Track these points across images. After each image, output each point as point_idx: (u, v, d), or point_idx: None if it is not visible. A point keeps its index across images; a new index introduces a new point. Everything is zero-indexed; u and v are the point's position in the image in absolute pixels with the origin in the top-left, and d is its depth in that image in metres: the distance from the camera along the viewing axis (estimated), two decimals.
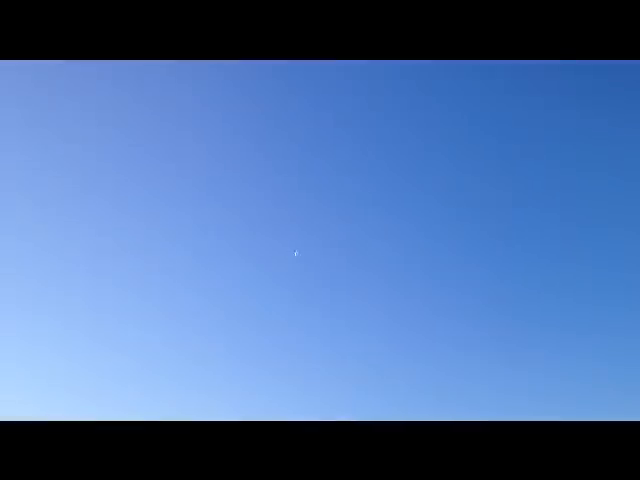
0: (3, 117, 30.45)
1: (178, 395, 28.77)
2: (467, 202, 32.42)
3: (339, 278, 32.51)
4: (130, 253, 32.17)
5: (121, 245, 32.08)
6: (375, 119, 33.12)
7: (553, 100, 31.35)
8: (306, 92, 32.99)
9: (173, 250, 32.50)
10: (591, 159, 31.70)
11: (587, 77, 30.86)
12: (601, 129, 30.86)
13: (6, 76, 29.49)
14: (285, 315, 31.76)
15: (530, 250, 31.66)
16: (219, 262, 32.73)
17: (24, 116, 30.59)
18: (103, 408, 27.35)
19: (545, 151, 31.82)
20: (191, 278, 32.09)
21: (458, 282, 31.68)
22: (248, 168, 33.47)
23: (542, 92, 31.01)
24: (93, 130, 31.61)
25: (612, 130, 30.54)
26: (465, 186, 32.28)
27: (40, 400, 27.34)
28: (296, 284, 32.09)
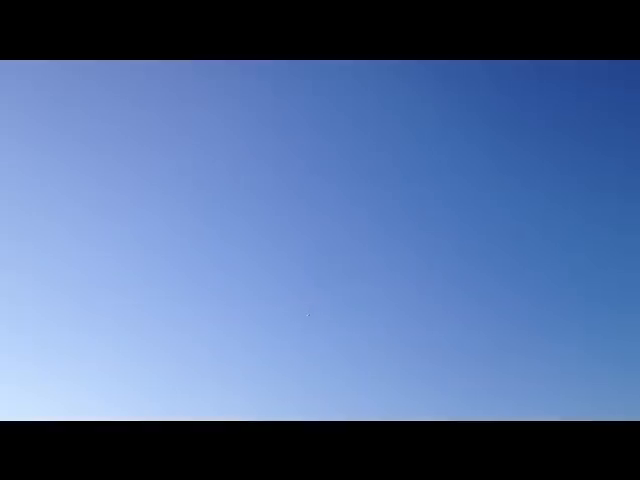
0: (3, 117, 30.45)
1: (177, 395, 28.75)
2: (467, 203, 32.42)
3: (339, 279, 32.53)
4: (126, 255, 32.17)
5: (118, 247, 32.09)
6: (373, 119, 33.11)
7: (553, 100, 31.35)
8: (306, 92, 32.97)
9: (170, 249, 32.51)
10: (591, 159, 31.69)
11: (587, 77, 30.87)
12: (601, 128, 30.85)
13: (6, 76, 29.50)
14: (284, 312, 31.75)
15: (530, 249, 31.67)
16: (221, 261, 32.74)
17: (24, 116, 30.58)
18: (102, 408, 27.32)
19: (544, 151, 31.81)
20: (194, 280, 32.04)
21: (457, 283, 31.68)
22: (248, 168, 33.45)
23: (541, 92, 31.00)
24: (93, 130, 31.59)
25: (612, 129, 30.53)
26: (466, 187, 32.28)
27: (39, 400, 27.33)
28: (296, 286, 32.09)
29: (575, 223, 30.71)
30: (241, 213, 33.40)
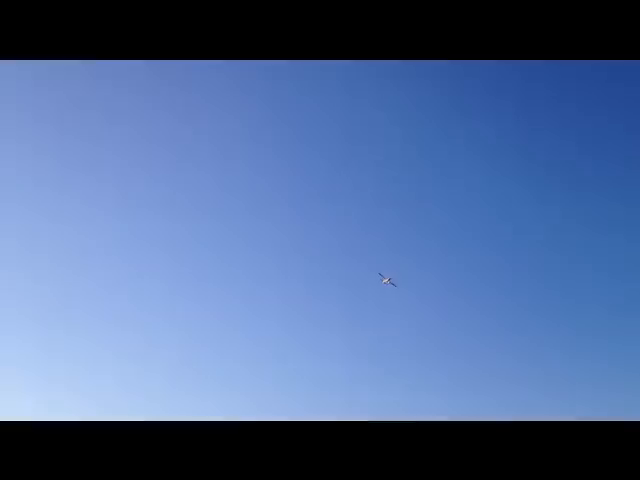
0: (3, 117, 30.47)
1: (178, 395, 28.80)
2: (470, 202, 32.46)
3: (342, 279, 32.65)
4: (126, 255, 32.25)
5: (119, 248, 32.16)
6: (371, 119, 33.14)
7: (551, 101, 31.44)
8: (306, 92, 33.00)
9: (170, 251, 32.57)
10: (591, 159, 31.78)
11: (586, 77, 30.97)
12: (600, 128, 30.94)
13: (6, 76, 29.55)
14: (287, 313, 31.90)
15: (536, 250, 31.78)
16: (224, 261, 32.78)
17: (24, 116, 30.59)
18: (101, 408, 27.40)
19: (545, 151, 31.88)
20: (197, 281, 32.11)
21: (465, 286, 31.82)
22: (249, 168, 33.49)
23: (538, 93, 31.10)
24: (94, 130, 31.62)
25: (612, 129, 30.64)
26: (468, 186, 32.34)
27: (39, 400, 27.39)
28: (296, 287, 32.17)
29: (575, 227, 30.73)
30: (243, 212, 33.37)
